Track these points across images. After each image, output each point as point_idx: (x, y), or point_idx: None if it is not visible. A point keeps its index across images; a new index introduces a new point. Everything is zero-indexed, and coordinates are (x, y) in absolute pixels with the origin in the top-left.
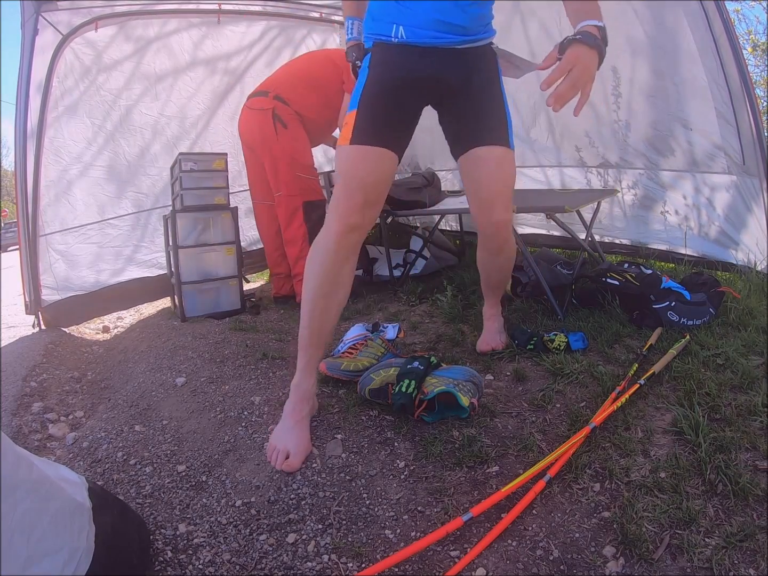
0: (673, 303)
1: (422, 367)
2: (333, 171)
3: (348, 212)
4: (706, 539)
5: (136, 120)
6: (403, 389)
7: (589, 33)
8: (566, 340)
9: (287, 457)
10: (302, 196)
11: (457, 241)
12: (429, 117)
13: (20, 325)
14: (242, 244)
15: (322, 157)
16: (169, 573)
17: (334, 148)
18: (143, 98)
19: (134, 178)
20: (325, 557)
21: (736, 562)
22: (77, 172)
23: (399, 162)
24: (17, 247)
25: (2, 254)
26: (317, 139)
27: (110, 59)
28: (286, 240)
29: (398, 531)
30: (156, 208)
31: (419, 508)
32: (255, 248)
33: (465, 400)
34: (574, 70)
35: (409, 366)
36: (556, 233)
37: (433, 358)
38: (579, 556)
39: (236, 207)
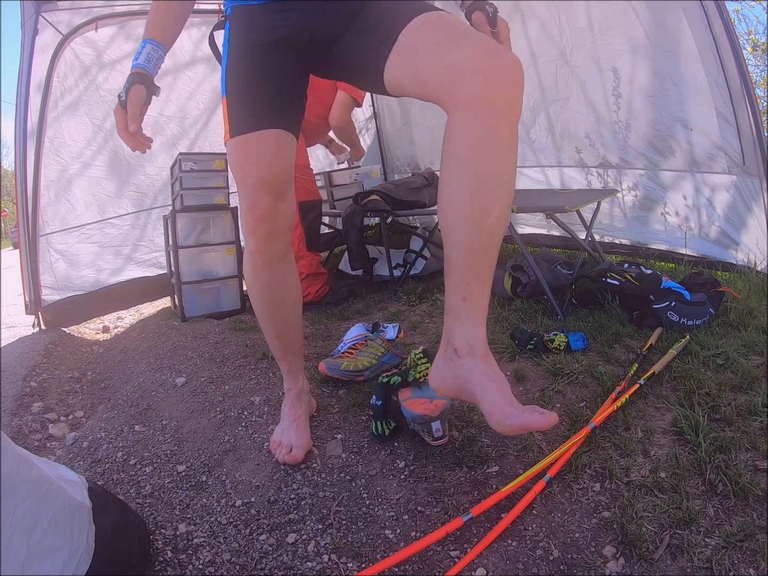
0: (673, 303)
1: (380, 402)
2: (333, 171)
3: (259, 223)
4: (706, 539)
5: None
6: (378, 432)
7: (491, 4)
8: (566, 340)
9: (290, 451)
10: (297, 196)
11: None
12: (429, 117)
13: (20, 325)
14: (242, 244)
15: (324, 158)
16: (169, 573)
17: (328, 147)
18: None
19: (134, 177)
20: (325, 557)
21: (736, 562)
22: (77, 171)
23: (297, 140)
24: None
25: (3, 254)
26: (312, 139)
27: (110, 59)
28: None
29: (398, 531)
30: (155, 208)
31: (419, 508)
32: None
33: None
34: (509, 38)
35: (373, 402)
36: (556, 233)
37: (394, 378)
38: (579, 556)
39: (236, 207)
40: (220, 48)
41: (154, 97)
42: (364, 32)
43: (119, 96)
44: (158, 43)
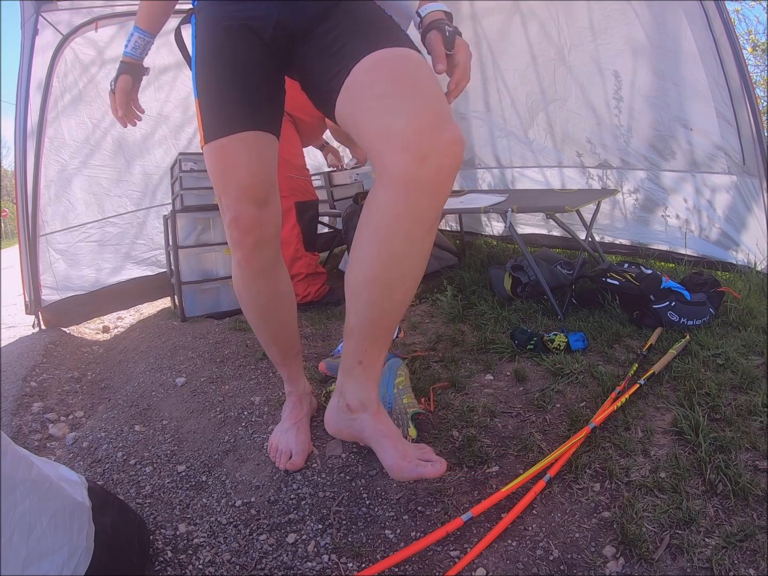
0: (673, 303)
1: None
2: (333, 171)
3: (244, 235)
4: (706, 539)
5: None
6: None
7: (452, 25)
8: (566, 340)
9: (290, 457)
10: (294, 197)
11: (457, 241)
12: None
13: (20, 325)
14: None
15: (323, 158)
16: (169, 573)
17: (322, 151)
18: (142, 97)
19: (133, 176)
20: (325, 557)
21: (736, 562)
22: (77, 171)
23: (278, 140)
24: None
25: (3, 254)
26: (308, 139)
27: (110, 58)
28: (281, 241)
29: (398, 531)
30: (154, 207)
31: (419, 508)
32: None
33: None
34: (467, 62)
35: None
36: (556, 233)
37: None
38: (579, 556)
39: None
40: (189, 46)
41: (154, 94)
42: (325, 51)
43: (110, 83)
44: (144, 31)
